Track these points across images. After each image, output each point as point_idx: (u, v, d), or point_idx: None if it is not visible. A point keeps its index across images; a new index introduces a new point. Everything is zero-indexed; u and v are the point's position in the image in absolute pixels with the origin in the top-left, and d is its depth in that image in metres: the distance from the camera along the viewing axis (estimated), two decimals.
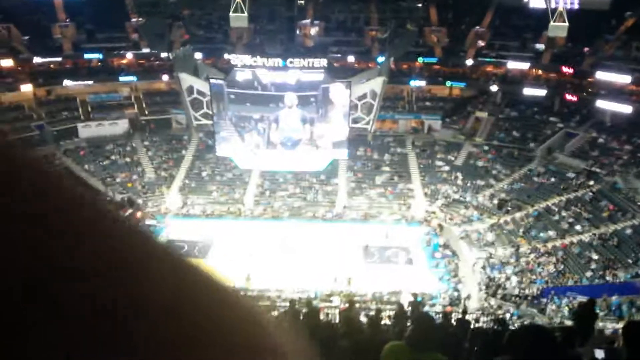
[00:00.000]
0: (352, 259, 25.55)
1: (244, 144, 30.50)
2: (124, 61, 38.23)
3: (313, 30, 39.21)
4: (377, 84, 30.92)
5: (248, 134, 30.41)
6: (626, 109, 29.75)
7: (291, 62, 31.07)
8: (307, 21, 38.92)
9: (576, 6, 31.82)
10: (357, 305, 22.02)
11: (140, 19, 37.99)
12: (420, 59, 37.96)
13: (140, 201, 30.72)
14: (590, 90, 32.93)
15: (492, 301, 22.72)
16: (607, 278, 22.01)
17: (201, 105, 31.39)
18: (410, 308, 20.81)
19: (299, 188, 32.03)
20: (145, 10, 38.37)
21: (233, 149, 30.81)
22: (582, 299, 20.95)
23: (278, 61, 32.00)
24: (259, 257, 24.88)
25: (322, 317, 14.69)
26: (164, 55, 37.52)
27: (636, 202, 25.15)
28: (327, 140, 30.00)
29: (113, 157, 33.26)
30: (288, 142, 30.01)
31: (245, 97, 30.09)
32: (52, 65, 36.57)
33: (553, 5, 32.41)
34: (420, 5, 39.19)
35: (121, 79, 36.35)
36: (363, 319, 13.35)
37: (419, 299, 20.96)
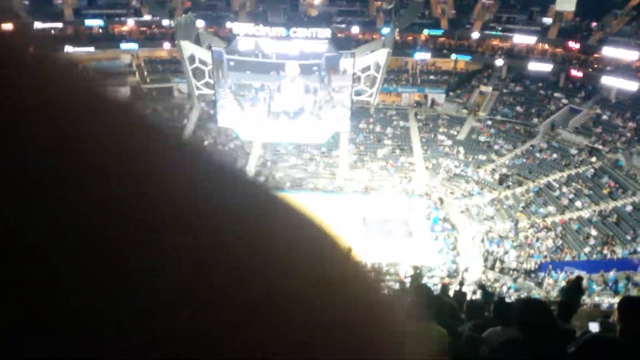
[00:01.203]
0: (352, 231, 25.68)
1: (244, 114, 30.33)
2: (125, 28, 37.78)
3: (317, 0, 38.62)
4: (381, 55, 30.56)
5: (248, 103, 30.21)
6: (632, 86, 29.44)
7: (294, 32, 30.66)
8: None
9: None
10: None
11: None
12: (425, 31, 37.44)
13: None
14: (596, 66, 32.56)
15: (490, 274, 22.98)
16: (605, 254, 22.17)
17: (203, 74, 31.11)
18: (409, 279, 21.09)
19: (301, 159, 32.03)
20: None
21: (234, 120, 30.67)
22: (580, 273, 21.22)
23: (281, 30, 31.58)
24: None
25: None
26: (165, 22, 37.04)
27: (637, 179, 25.13)
28: (329, 111, 29.84)
29: None
30: (290, 112, 29.85)
31: (245, 65, 29.76)
32: (52, 31, 36.13)
33: None
34: None
35: (122, 46, 35.97)
36: None
37: (419, 270, 21.19)
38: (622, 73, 30.28)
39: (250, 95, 29.96)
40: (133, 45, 36.20)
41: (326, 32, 31.31)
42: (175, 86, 35.68)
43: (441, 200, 28.85)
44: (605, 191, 25.63)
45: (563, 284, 20.86)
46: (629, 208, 23.90)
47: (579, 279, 10.59)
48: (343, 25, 37.56)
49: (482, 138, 32.54)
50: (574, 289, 10.17)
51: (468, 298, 13.00)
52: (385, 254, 23.37)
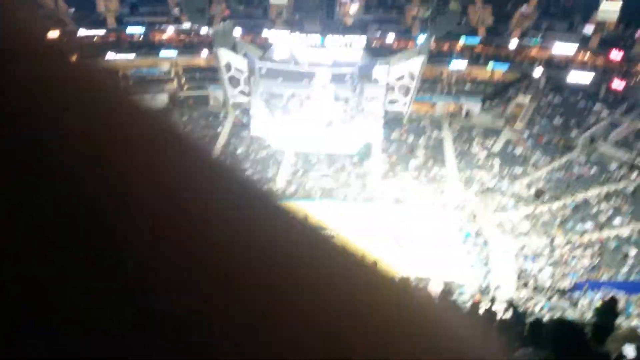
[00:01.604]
0: (382, 243, 25.58)
1: (276, 122, 30.65)
2: (165, 36, 38.73)
3: (353, 8, 38.68)
4: (415, 64, 30.38)
5: (279, 111, 30.49)
6: None
7: (330, 40, 30.84)
8: None
9: None
10: None
11: None
12: (462, 39, 36.98)
13: None
14: (639, 77, 31.49)
15: (523, 292, 22.49)
16: None
17: (238, 82, 31.62)
18: (439, 295, 20.81)
19: (332, 169, 32.10)
20: None
21: (267, 128, 31.04)
22: (617, 294, 20.56)
23: (316, 38, 31.85)
24: None
25: None
26: (204, 30, 37.81)
27: None
28: (361, 120, 29.85)
29: None
30: (321, 121, 29.98)
31: (277, 72, 30.09)
32: (95, 38, 37.40)
33: None
34: None
35: (162, 53, 36.89)
36: None
37: (449, 287, 20.95)
38: None
39: (282, 104, 30.25)
40: (172, 53, 37.08)
41: (361, 41, 31.41)
42: (211, 94, 36.33)
43: (474, 214, 28.41)
44: None
45: (599, 304, 20.29)
46: None
47: (613, 299, 10.29)
48: (378, 33, 37.50)
49: (518, 150, 31.87)
50: (608, 310, 9.91)
51: (499, 317, 12.81)
52: (415, 268, 23.19)
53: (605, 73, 32.95)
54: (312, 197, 30.32)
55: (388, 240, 26.08)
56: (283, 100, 30.14)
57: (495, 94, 35.75)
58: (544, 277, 23.07)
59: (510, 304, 17.52)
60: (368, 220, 27.41)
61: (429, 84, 35.32)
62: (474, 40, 37.22)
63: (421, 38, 34.86)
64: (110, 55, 35.82)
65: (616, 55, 32.57)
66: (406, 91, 31.21)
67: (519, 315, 13.16)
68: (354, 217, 27.74)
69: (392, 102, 31.09)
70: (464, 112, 34.91)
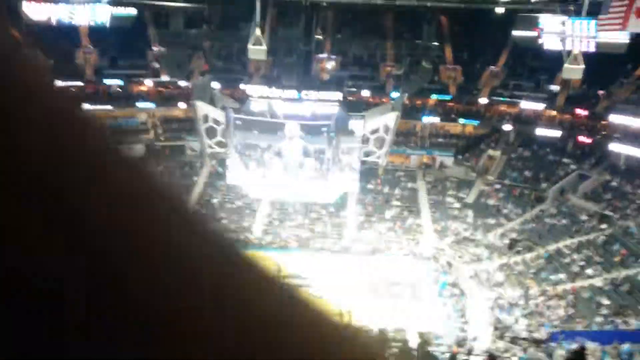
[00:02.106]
0: (358, 293, 25.23)
1: (248, 173, 30.69)
2: (143, 88, 39.14)
3: (329, 65, 39.89)
4: (390, 118, 31.17)
5: (253, 162, 30.58)
6: None
7: (306, 95, 31.56)
8: (325, 55, 39.64)
9: (592, 49, 31.95)
10: None
11: (161, 48, 39.04)
12: (434, 96, 38.27)
13: None
14: (604, 133, 32.79)
15: (500, 343, 22.20)
16: (618, 324, 21.43)
17: (215, 133, 31.86)
18: (417, 347, 20.46)
19: (308, 219, 32.03)
20: (167, 40, 39.46)
21: (243, 177, 31.07)
22: (592, 345, 20.45)
23: (293, 93, 32.58)
24: None
25: None
26: (182, 83, 38.37)
27: None
28: (337, 172, 30.10)
29: None
30: (296, 172, 30.11)
31: (251, 124, 30.31)
32: (73, 89, 37.52)
33: (568, 47, 32.57)
34: (436, 43, 39.73)
35: (139, 105, 37.15)
36: None
37: (426, 338, 20.60)
38: (630, 140, 30.40)
39: (256, 155, 30.38)
40: (150, 105, 37.38)
41: (337, 95, 32.22)
42: (187, 144, 36.46)
43: (449, 264, 28.42)
44: (616, 259, 25.13)
45: (568, 354, 20.14)
46: None
47: (582, 348, 10.28)
48: (354, 89, 38.57)
49: (491, 201, 32.44)
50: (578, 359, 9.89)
51: None
52: (392, 319, 22.82)
53: (572, 129, 34.26)
54: (288, 248, 30.04)
55: (364, 291, 25.77)
56: (258, 151, 30.34)
57: (468, 147, 36.74)
58: (520, 327, 22.90)
59: (491, 357, 17.28)
60: (344, 270, 27.16)
61: (404, 137, 36.15)
62: (446, 97, 38.55)
63: (395, 94, 35.97)
64: (87, 106, 35.81)
65: (582, 112, 34.01)
66: (381, 144, 31.80)
67: None
68: (330, 267, 27.47)
69: (367, 154, 31.59)
70: (437, 164, 35.63)
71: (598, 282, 24.32)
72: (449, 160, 35.48)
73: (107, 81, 38.09)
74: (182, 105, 36.85)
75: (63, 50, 37.70)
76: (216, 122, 31.61)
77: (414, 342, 20.51)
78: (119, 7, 35.71)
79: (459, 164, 35.33)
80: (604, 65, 32.23)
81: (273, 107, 31.35)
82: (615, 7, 29.72)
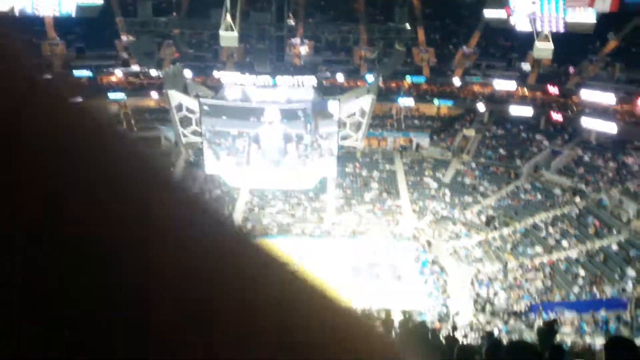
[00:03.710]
0: (340, 276, 25.37)
1: (222, 162, 29.98)
2: (114, 78, 38.33)
3: (303, 49, 39.63)
4: (366, 102, 31.19)
5: (224, 151, 29.78)
6: (611, 127, 30.18)
7: (280, 80, 31.33)
8: (297, 40, 39.35)
9: (561, 29, 32.44)
10: None
11: (130, 38, 38.22)
12: (408, 78, 38.42)
13: None
14: (575, 109, 33.44)
15: (481, 317, 22.69)
16: (595, 293, 22.07)
17: (190, 122, 31.44)
18: (399, 324, 20.69)
19: (288, 204, 31.99)
20: (136, 29, 38.61)
21: (222, 166, 30.76)
22: (570, 314, 21.05)
23: (267, 79, 32.30)
24: None
25: None
26: (153, 72, 37.69)
27: (621, 218, 25.37)
28: (316, 157, 30.04)
29: None
30: (273, 160, 29.78)
31: (220, 110, 29.42)
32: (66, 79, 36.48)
33: (539, 28, 33.00)
34: (408, 26, 39.81)
35: (110, 95, 36.37)
36: None
37: (408, 315, 20.87)
38: (600, 115, 31.09)
39: (227, 143, 29.60)
40: (121, 95, 36.63)
41: (311, 80, 32.06)
42: (162, 134, 35.91)
43: (429, 243, 28.79)
44: (591, 231, 25.79)
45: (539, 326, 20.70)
46: (614, 247, 24.01)
47: (552, 321, 10.63)
48: (328, 74, 38.44)
49: (467, 180, 32.89)
50: (546, 330, 10.30)
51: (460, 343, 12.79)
52: (374, 299, 23.04)
53: (543, 106, 34.84)
54: (270, 234, 29.98)
55: (346, 272, 25.94)
56: (228, 139, 29.70)
57: (443, 128, 37.10)
58: (500, 301, 23.41)
59: (486, 336, 17.55)
60: (326, 254, 27.27)
61: (380, 120, 36.28)
62: (420, 79, 38.75)
63: (370, 77, 35.99)
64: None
65: (553, 89, 34.59)
66: (358, 127, 31.85)
67: (490, 340, 13.27)
68: (312, 251, 27.54)
69: (344, 137, 31.61)
70: (414, 146, 35.91)
71: (573, 253, 24.96)
72: (425, 142, 35.79)
73: (76, 72, 37.15)
74: (154, 94, 36.24)
75: (29, 43, 36.56)
76: (190, 110, 31.17)
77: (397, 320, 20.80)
78: None
79: (435, 144, 35.69)
80: (573, 43, 32.82)
81: (248, 93, 31.02)
82: None
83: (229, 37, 35.37)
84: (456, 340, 13.53)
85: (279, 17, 39.25)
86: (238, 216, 31.16)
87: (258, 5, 39.65)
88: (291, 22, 39.94)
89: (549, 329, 10.31)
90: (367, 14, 41.02)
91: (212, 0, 36.49)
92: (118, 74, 38.12)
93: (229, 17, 34.13)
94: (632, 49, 33.05)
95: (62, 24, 36.27)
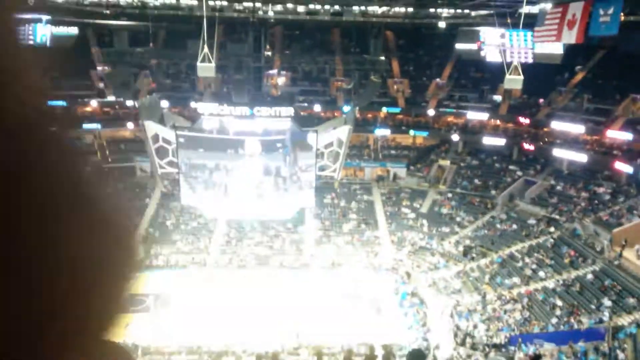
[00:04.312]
0: (319, 309, 25.08)
1: (196, 194, 29.18)
2: (88, 109, 37.82)
3: (280, 80, 39.92)
4: (343, 132, 31.34)
5: (201, 185, 28.86)
6: (581, 157, 31.05)
7: (258, 111, 31.33)
8: (274, 71, 39.66)
9: (530, 60, 33.46)
10: (326, 358, 21.52)
11: (106, 68, 37.93)
12: (384, 109, 38.98)
13: None
14: (546, 139, 34.33)
15: (461, 350, 22.58)
16: (572, 324, 22.25)
17: (167, 153, 31.03)
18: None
19: (266, 236, 31.69)
20: (112, 59, 38.39)
21: (198, 198, 30.33)
22: (549, 346, 21.15)
23: (245, 110, 32.25)
24: (224, 308, 24.16)
25: None
26: (129, 103, 37.35)
27: (595, 247, 25.85)
28: (295, 189, 29.87)
29: None
30: (252, 193, 29.25)
31: (197, 141, 28.79)
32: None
33: (508, 59, 33.93)
34: (383, 58, 40.59)
35: (85, 126, 35.82)
36: None
37: (389, 349, 20.67)
38: (570, 145, 31.98)
39: (204, 177, 28.90)
40: (96, 125, 36.12)
41: (289, 111, 32.13)
42: (137, 165, 35.41)
43: (408, 275, 28.77)
44: (566, 260, 26.19)
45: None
46: (590, 277, 24.39)
47: (538, 355, 10.63)
48: (305, 104, 38.73)
49: (444, 210, 33.19)
50: None
51: None
52: (355, 332, 22.80)
53: (515, 136, 35.67)
54: (247, 266, 29.57)
55: (326, 304, 25.64)
56: (205, 172, 29.14)
57: (419, 158, 37.58)
58: (480, 333, 23.38)
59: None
60: (305, 286, 26.97)
61: (357, 150, 36.55)
62: (395, 110, 39.35)
63: (346, 108, 36.36)
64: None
65: (524, 120, 35.50)
66: (335, 157, 31.91)
67: None
68: (291, 283, 27.22)
69: (322, 168, 31.62)
70: (391, 176, 36.19)
71: (550, 283, 25.25)
72: (402, 172, 36.13)
73: (50, 103, 36.49)
74: (130, 125, 35.82)
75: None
76: (167, 141, 30.80)
77: (379, 355, 20.56)
78: (60, 27, 34.48)
79: (411, 174, 36.06)
80: (543, 75, 33.84)
81: (225, 124, 30.90)
82: (549, 20, 31.28)
83: (206, 67, 35.33)
84: None
85: (256, 48, 39.57)
86: (215, 248, 30.71)
87: (235, 36, 39.97)
88: (268, 53, 40.31)
89: None
90: (343, 46, 41.74)
91: (189, 31, 36.63)
92: (93, 104, 37.66)
93: (206, 48, 34.20)
94: (599, 80, 34.29)
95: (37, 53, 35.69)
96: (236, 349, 21.49)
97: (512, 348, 22.02)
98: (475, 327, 23.81)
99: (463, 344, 22.88)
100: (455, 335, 23.50)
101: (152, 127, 30.82)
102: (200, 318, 23.21)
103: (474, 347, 22.63)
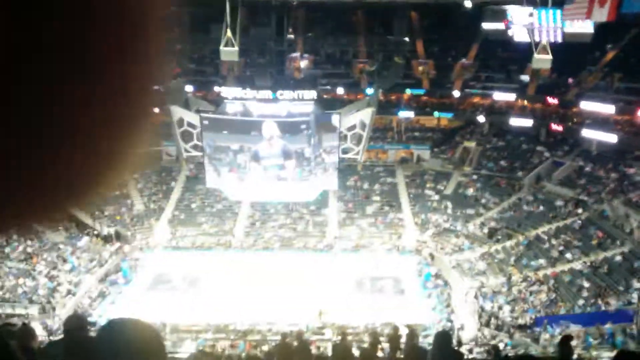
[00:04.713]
0: (343, 290, 25.29)
1: (220, 178, 29.47)
2: None
3: (303, 63, 39.79)
4: (366, 114, 31.23)
5: (225, 168, 29.13)
6: (611, 137, 30.25)
7: (281, 94, 31.41)
8: (297, 54, 39.53)
9: (559, 39, 32.61)
10: (350, 337, 21.73)
11: None
12: (408, 91, 38.55)
13: (128, 234, 30.42)
14: (575, 120, 33.52)
15: (486, 331, 22.53)
16: (600, 305, 21.95)
17: (191, 137, 31.43)
18: (405, 340, 20.53)
19: (290, 219, 31.95)
20: None
21: (223, 180, 30.69)
22: (575, 327, 20.92)
23: (268, 93, 32.37)
24: (249, 289, 24.57)
25: (313, 350, 14.47)
26: (154, 87, 37.75)
27: (624, 229, 25.33)
28: (319, 171, 29.88)
29: None
30: (276, 175, 29.36)
31: (221, 124, 28.84)
32: None
33: (537, 39, 33.14)
34: (407, 39, 40.03)
35: None
36: (356, 351, 13.14)
37: (412, 330, 20.73)
38: (600, 126, 31.17)
39: (228, 159, 29.15)
40: None
41: (312, 94, 32.12)
42: (163, 149, 35.92)
43: (432, 256, 28.71)
44: (594, 242, 25.75)
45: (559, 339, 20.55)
46: (618, 258, 23.95)
47: (566, 338, 10.55)
48: (328, 87, 38.57)
49: (469, 192, 32.87)
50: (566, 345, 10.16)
51: (465, 357, 12.69)
52: (378, 313, 22.94)
53: (544, 117, 34.92)
54: (271, 248, 29.92)
55: (349, 286, 25.85)
56: (229, 154, 29.34)
57: (443, 140, 37.17)
58: (504, 314, 23.26)
59: (491, 350, 17.44)
60: (329, 268, 27.19)
61: (380, 133, 36.35)
62: (419, 91, 38.87)
63: (369, 90, 36.12)
64: None
65: (552, 100, 34.70)
66: (358, 140, 31.85)
67: (496, 354, 13.17)
68: (314, 266, 27.47)
69: (345, 151, 31.60)
70: (415, 158, 35.94)
71: (577, 265, 24.88)
72: (425, 154, 35.84)
73: None
74: (156, 110, 36.21)
75: None
76: (191, 125, 31.18)
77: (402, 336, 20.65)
78: None
79: (435, 156, 35.74)
80: (572, 54, 32.95)
81: (248, 107, 31.07)
82: None
83: (229, 52, 35.50)
84: (462, 355, 13.43)
85: (279, 32, 39.52)
86: (240, 231, 31.11)
87: (258, 20, 39.89)
88: (291, 36, 40.18)
89: (567, 344, 10.17)
90: (366, 27, 41.28)
91: (212, 16, 36.74)
92: None
93: (229, 32, 34.31)
94: (631, 59, 33.20)
95: None
96: (262, 328, 21.86)
97: (538, 329, 21.88)
98: (500, 308, 23.69)
99: (487, 325, 22.81)
100: (480, 316, 23.44)
101: (177, 112, 31.22)
102: (227, 298, 23.66)
103: (498, 328, 22.56)
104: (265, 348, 17.68)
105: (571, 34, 32.29)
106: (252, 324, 22.17)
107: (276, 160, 28.73)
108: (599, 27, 31.25)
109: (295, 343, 10.96)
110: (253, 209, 32.49)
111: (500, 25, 34.72)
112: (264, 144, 28.66)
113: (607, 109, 31.33)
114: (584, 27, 31.48)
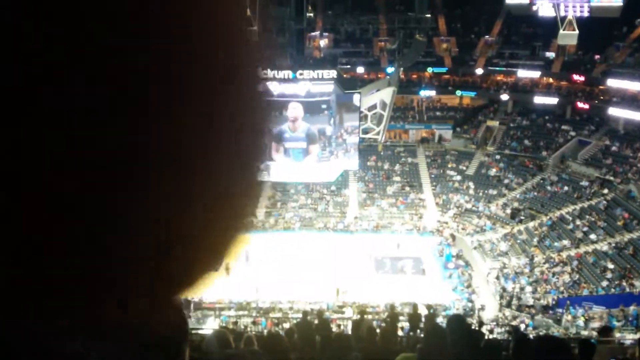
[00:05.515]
0: (363, 270, 25.39)
1: None
2: None
3: (322, 42, 39.44)
4: (386, 94, 30.90)
5: None
6: (639, 116, 29.44)
7: (301, 74, 31.20)
8: (317, 33, 39.16)
9: (586, 14, 31.65)
10: (369, 316, 21.89)
11: None
12: (429, 69, 37.96)
13: None
14: (602, 97, 32.64)
15: (507, 312, 22.46)
16: (624, 287, 21.65)
17: None
18: (425, 320, 20.60)
19: (310, 199, 32.04)
20: None
21: None
22: (599, 308, 20.72)
23: (288, 73, 32.18)
24: (270, 268, 24.85)
25: (334, 328, 14.60)
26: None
27: None
28: (341, 152, 29.74)
29: None
30: (298, 155, 29.39)
31: None
32: None
33: (562, 14, 32.23)
34: (428, 15, 39.26)
35: None
36: (376, 330, 13.19)
37: (433, 310, 20.76)
38: (628, 104, 30.33)
39: None
40: None
41: (332, 73, 31.83)
42: None
43: (453, 237, 28.56)
44: (619, 223, 25.27)
45: (581, 320, 20.39)
46: None
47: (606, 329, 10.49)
48: (348, 66, 38.21)
49: (491, 172, 32.46)
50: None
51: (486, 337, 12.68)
52: (399, 293, 23.01)
53: (569, 95, 34.10)
54: (292, 229, 30.11)
55: (370, 266, 25.94)
56: None
57: (466, 119, 36.62)
58: (526, 295, 23.13)
59: (512, 331, 17.41)
60: (349, 248, 27.28)
61: (401, 112, 35.97)
62: (441, 70, 38.24)
63: (390, 69, 35.67)
64: None
65: (578, 78, 33.82)
66: (379, 120, 31.60)
67: (517, 334, 13.13)
68: (335, 246, 27.58)
69: (366, 131, 31.41)
70: (436, 138, 35.55)
71: (602, 246, 24.51)
72: (447, 134, 35.39)
73: None
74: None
75: None
76: None
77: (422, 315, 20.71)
78: None
79: (458, 136, 35.28)
80: (599, 29, 31.97)
81: (268, 87, 30.98)
82: None
83: (248, 32, 35.35)
84: (482, 334, 13.42)
85: (298, 11, 39.07)
86: (261, 211, 31.32)
87: None
88: (310, 15, 39.76)
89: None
90: (387, 4, 40.56)
91: None
92: None
93: (248, 12, 34.04)
94: None
95: None
96: (283, 306, 22.15)
97: (560, 310, 21.73)
98: (522, 289, 23.55)
99: (509, 305, 22.73)
100: (501, 297, 23.36)
101: None
102: (249, 276, 23.94)
103: (520, 308, 22.46)
104: (286, 325, 17.92)
105: (598, 8, 31.32)
106: (273, 302, 22.47)
107: (300, 143, 28.70)
108: (629, 1, 30.20)
109: (316, 321, 11.05)
110: (274, 189, 32.62)
111: (524, 0, 33.82)
112: (287, 125, 28.65)
113: (636, 86, 30.40)
114: (612, 0, 30.47)
